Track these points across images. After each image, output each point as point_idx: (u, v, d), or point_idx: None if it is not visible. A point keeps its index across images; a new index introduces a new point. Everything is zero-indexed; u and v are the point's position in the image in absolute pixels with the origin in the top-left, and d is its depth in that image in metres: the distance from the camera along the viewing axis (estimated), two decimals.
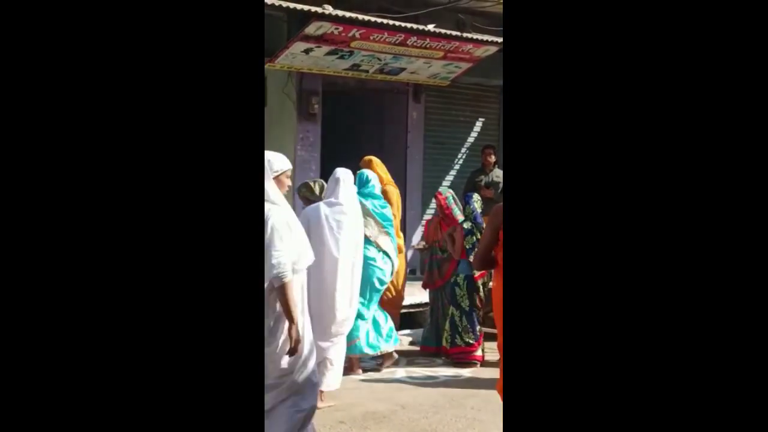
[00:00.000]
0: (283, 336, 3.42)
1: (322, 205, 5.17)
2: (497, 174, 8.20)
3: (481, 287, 6.13)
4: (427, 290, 6.63)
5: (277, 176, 3.69)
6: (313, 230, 5.00)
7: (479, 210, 6.10)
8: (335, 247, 5.06)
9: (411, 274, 8.60)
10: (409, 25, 7.70)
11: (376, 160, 6.60)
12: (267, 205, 3.51)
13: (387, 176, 6.64)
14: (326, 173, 7.16)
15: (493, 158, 8.44)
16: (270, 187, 3.59)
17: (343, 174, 5.38)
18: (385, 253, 5.89)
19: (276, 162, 3.73)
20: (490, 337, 6.02)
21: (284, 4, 6.83)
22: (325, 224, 5.04)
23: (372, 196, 5.80)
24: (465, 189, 8.05)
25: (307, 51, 7.51)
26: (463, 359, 6.11)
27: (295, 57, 7.55)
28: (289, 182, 3.75)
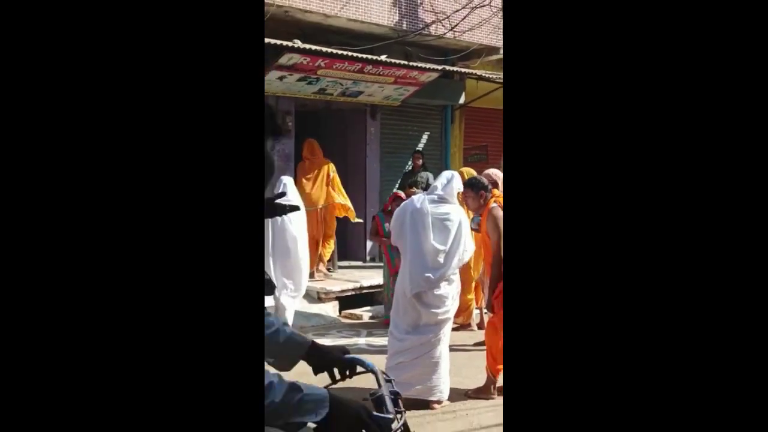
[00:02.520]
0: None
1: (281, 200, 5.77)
2: (422, 174, 8.09)
3: None
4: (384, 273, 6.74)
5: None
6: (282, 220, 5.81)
7: None
8: (296, 231, 5.82)
9: (371, 261, 8.85)
10: (365, 56, 7.71)
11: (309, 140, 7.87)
12: (452, 207, 4.26)
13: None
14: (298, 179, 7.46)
15: (420, 161, 8.53)
16: (454, 190, 4.30)
17: (288, 180, 6.26)
18: None
19: (452, 175, 4.37)
20: None
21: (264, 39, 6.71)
22: (304, 229, 6.02)
23: None
24: (399, 186, 8.20)
25: (281, 78, 7.50)
26: None
27: (271, 83, 7.54)
28: None
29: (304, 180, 7.38)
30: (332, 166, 7.58)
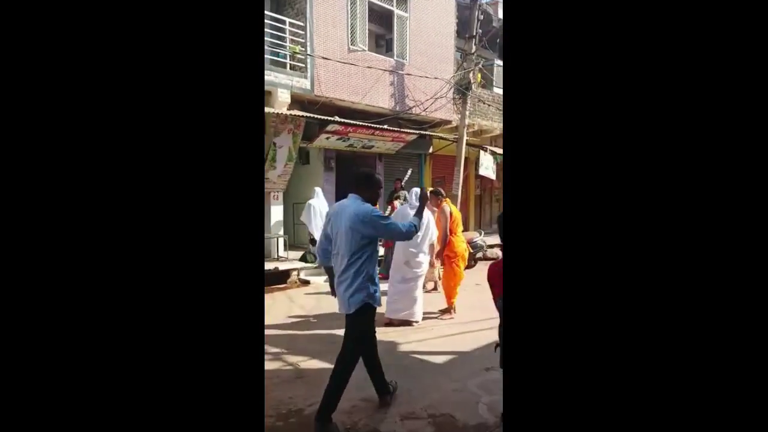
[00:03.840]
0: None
1: (314, 201, 6.65)
2: (400, 192, 7.92)
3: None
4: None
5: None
6: (323, 212, 6.43)
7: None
8: (322, 213, 6.33)
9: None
10: (375, 125, 7.95)
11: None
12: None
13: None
14: (337, 197, 8.04)
15: (399, 185, 8.19)
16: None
17: (320, 191, 6.79)
18: None
19: (418, 190, 4.38)
20: None
21: (316, 116, 7.10)
22: (323, 209, 6.48)
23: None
24: (387, 199, 8.15)
25: (327, 138, 7.73)
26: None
27: (321, 141, 7.80)
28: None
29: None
30: None
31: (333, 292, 2.63)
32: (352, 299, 2.41)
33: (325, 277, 6.62)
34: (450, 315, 4.80)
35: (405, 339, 3.80)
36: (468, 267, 7.67)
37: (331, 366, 3.03)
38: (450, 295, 4.77)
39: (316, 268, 6.73)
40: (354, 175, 2.56)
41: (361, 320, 2.40)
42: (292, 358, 3.61)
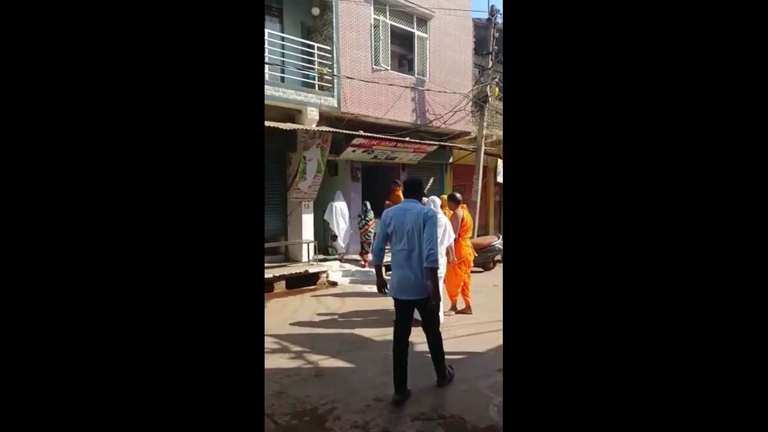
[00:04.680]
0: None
1: (336, 202, 7.16)
2: (423, 199, 7.83)
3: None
4: None
5: (441, 205, 4.47)
6: (343, 211, 7.09)
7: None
8: (342, 212, 7.10)
9: None
10: (398, 138, 7.91)
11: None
12: (441, 215, 4.14)
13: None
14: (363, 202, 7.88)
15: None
16: (438, 206, 4.33)
17: (340, 194, 7.08)
18: None
19: (438, 200, 4.47)
20: None
21: (342, 131, 7.14)
22: (343, 208, 7.18)
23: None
24: None
25: (353, 151, 7.71)
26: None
27: (348, 154, 7.79)
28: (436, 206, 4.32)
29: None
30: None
31: (380, 289, 2.82)
32: (426, 287, 2.73)
33: (350, 279, 6.62)
34: (453, 312, 4.78)
35: (421, 339, 3.56)
36: (486, 269, 7.47)
37: (349, 365, 2.98)
38: (452, 294, 4.72)
39: (336, 259, 7.48)
40: (406, 183, 3.01)
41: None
42: (313, 357, 3.54)
